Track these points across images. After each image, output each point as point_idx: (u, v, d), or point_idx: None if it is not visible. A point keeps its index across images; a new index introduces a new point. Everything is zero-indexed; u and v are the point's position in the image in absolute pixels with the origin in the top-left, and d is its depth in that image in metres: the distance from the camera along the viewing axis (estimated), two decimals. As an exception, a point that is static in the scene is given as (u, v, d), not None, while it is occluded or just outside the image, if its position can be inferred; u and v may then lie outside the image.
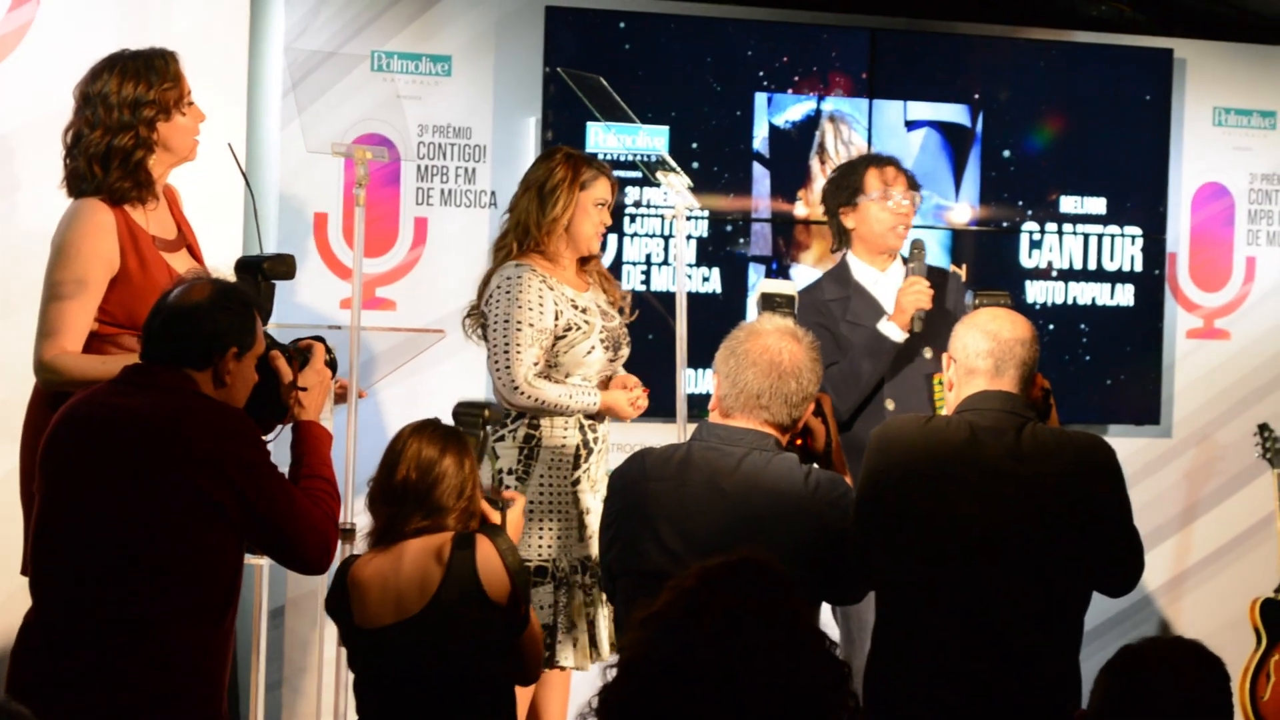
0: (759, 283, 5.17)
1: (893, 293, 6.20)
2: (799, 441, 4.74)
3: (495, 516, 4.62)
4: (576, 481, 5.72)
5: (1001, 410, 4.62)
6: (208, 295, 4.24)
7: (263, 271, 4.89)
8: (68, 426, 4.24)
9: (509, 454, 5.69)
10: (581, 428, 5.74)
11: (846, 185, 6.33)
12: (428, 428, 4.55)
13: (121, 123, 5.03)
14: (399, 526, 4.47)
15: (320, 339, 4.57)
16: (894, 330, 6.10)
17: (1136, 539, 4.63)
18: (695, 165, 7.00)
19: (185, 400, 4.17)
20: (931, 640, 4.51)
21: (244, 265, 4.96)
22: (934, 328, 6.06)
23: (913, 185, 6.35)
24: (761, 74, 7.39)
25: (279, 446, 4.51)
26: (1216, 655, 3.33)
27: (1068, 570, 4.53)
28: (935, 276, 6.30)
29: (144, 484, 4.10)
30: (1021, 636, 4.49)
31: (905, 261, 6.26)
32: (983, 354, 4.68)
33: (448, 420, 4.74)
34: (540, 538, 5.63)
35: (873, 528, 4.57)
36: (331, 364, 4.57)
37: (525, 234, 5.75)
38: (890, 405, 6.12)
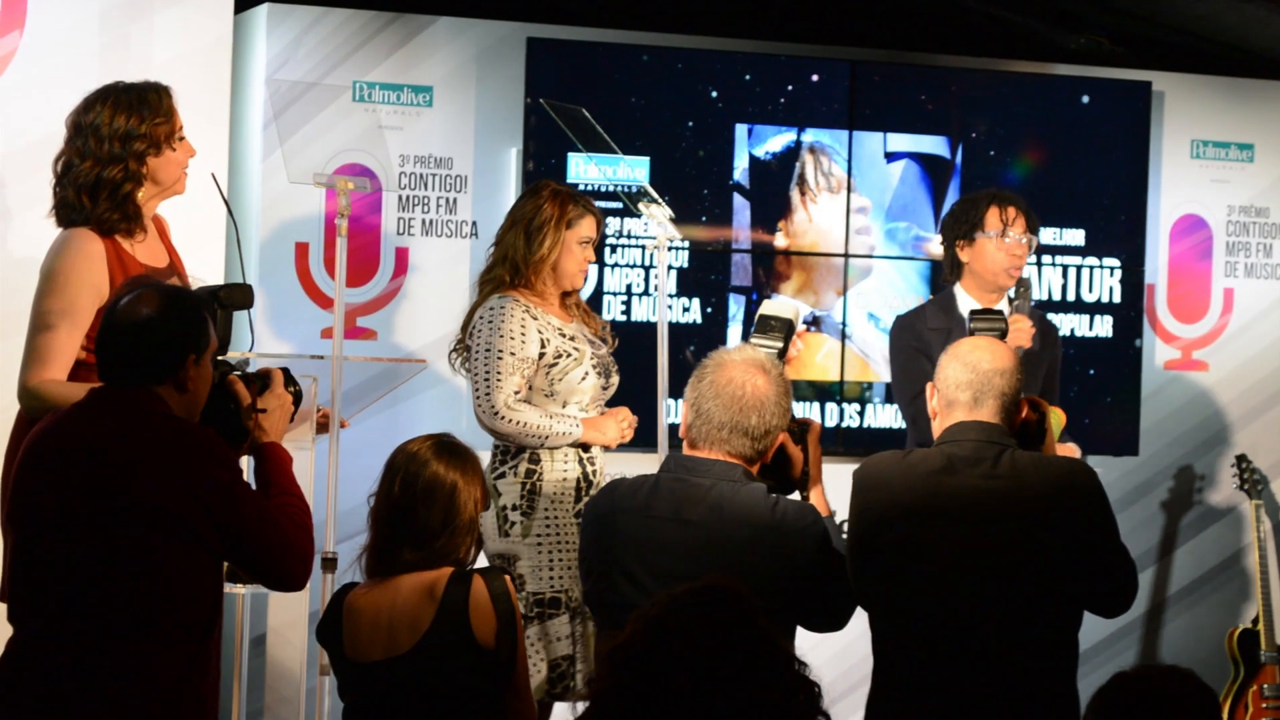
0: (762, 303, 5.16)
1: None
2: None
3: None
4: (579, 515, 5.71)
5: (979, 440, 4.66)
6: (157, 306, 4.20)
7: (219, 300, 4.86)
8: (36, 455, 4.23)
9: (511, 490, 5.69)
10: (581, 461, 5.76)
11: (966, 219, 6.29)
12: (427, 441, 4.49)
13: (112, 155, 5.04)
14: (390, 554, 4.42)
15: (284, 369, 4.55)
16: None
17: (1127, 557, 4.67)
18: (676, 196, 7.01)
19: (152, 424, 4.14)
20: (928, 671, 4.56)
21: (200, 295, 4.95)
22: (1030, 374, 5.88)
23: (1032, 227, 6.29)
24: (742, 105, 7.41)
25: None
26: (1208, 685, 3.35)
27: (1054, 592, 4.56)
28: (1042, 325, 6.27)
29: (116, 511, 4.08)
30: (1015, 660, 4.53)
31: (1010, 301, 6.24)
32: (962, 385, 4.72)
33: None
34: (551, 569, 5.65)
35: (863, 563, 4.62)
36: (295, 395, 4.53)
37: (514, 270, 5.78)
38: None
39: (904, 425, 6.73)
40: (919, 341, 6.18)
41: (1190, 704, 3.31)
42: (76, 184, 5.04)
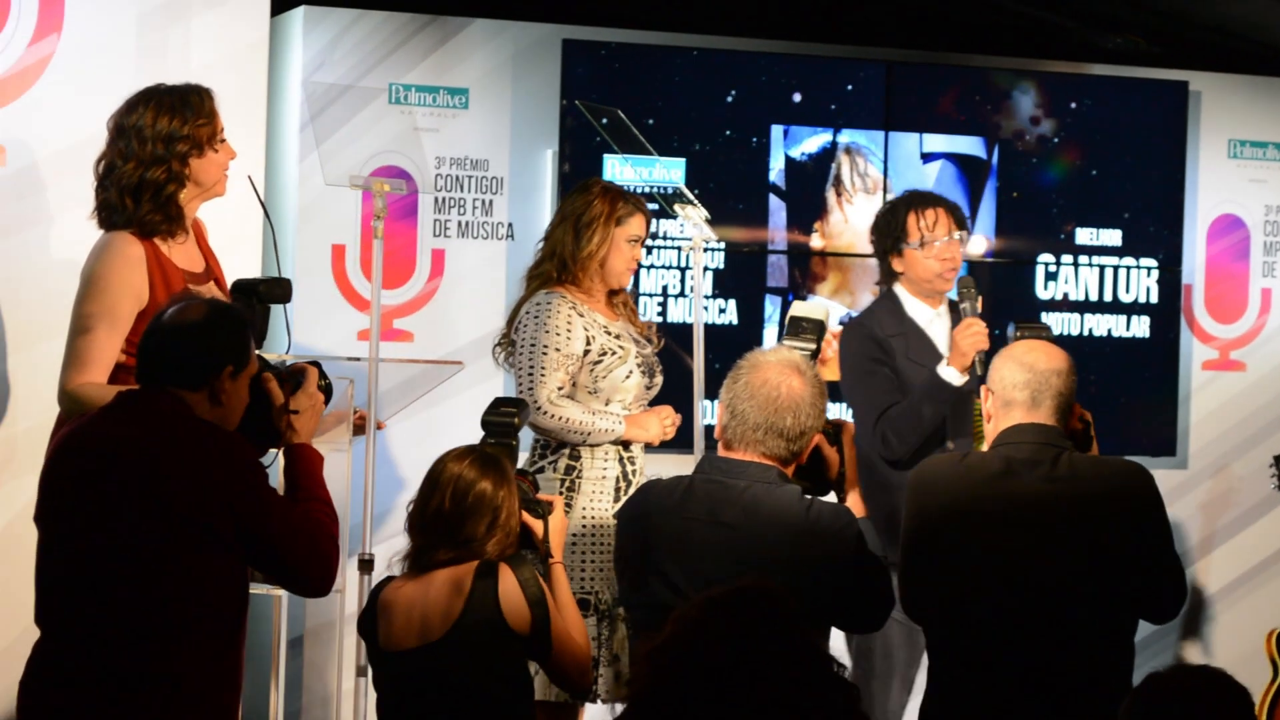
0: (793, 305, 5.17)
1: (946, 334, 6.13)
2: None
3: (536, 525, 4.65)
4: (617, 515, 5.71)
5: (1037, 442, 4.66)
6: (203, 315, 4.24)
7: (258, 294, 4.91)
8: (65, 458, 4.24)
9: (550, 486, 5.68)
10: (621, 459, 5.76)
11: (890, 232, 6.20)
12: (467, 456, 4.54)
13: (154, 156, 5.06)
14: (429, 556, 4.49)
15: (316, 363, 4.57)
16: (953, 375, 5.94)
17: (1178, 562, 4.67)
18: (711, 197, 7.01)
19: (180, 427, 4.15)
20: (986, 674, 4.57)
21: (240, 288, 4.99)
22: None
23: (959, 224, 6.21)
24: (778, 106, 7.41)
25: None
26: (1242, 685, 3.34)
27: (1112, 595, 4.57)
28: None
29: (143, 514, 4.09)
30: (1073, 663, 4.55)
31: (954, 304, 6.17)
32: (1019, 385, 4.70)
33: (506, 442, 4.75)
34: (583, 570, 5.65)
35: (917, 566, 4.65)
36: (326, 389, 4.55)
37: (562, 266, 5.78)
38: (951, 447, 6.00)
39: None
40: (881, 351, 6.11)
41: (1223, 704, 3.31)
42: (119, 185, 5.05)
